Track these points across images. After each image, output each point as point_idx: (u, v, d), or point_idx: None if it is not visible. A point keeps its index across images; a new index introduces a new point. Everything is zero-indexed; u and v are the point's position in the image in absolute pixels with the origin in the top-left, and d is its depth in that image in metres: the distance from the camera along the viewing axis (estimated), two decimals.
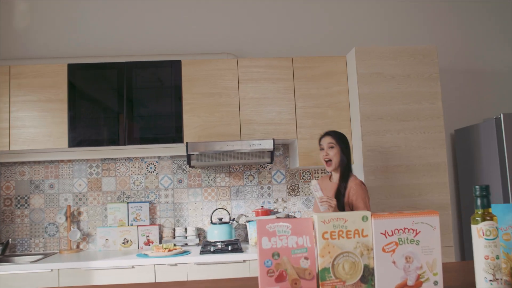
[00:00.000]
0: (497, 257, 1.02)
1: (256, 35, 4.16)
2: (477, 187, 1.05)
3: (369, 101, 3.46)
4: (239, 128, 3.61)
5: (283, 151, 4.04)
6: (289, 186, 4.02)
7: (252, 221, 3.70)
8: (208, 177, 3.99)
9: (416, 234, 1.10)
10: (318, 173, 4.04)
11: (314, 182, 2.80)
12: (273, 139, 3.48)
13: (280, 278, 1.08)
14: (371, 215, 1.11)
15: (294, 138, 3.64)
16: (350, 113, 3.67)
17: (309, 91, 3.68)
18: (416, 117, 3.48)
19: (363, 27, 4.22)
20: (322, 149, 2.97)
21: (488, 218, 1.04)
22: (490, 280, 1.02)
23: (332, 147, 2.92)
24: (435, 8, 4.30)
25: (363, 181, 3.10)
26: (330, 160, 2.91)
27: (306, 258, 1.09)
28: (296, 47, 4.14)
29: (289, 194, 4.01)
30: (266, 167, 4.02)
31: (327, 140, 2.95)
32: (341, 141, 2.95)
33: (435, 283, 1.10)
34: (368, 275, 1.10)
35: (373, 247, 1.10)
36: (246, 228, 3.93)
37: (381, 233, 1.10)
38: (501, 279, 1.02)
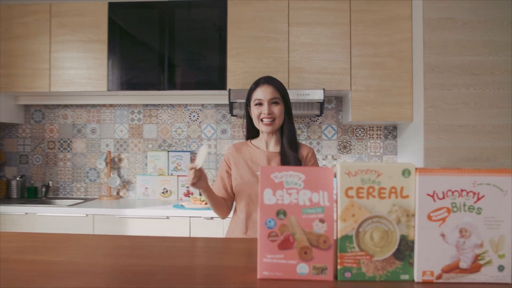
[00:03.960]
0: None
1: None
2: None
3: (436, 51, 3.04)
4: (287, 76, 3.30)
5: (336, 104, 3.70)
6: (340, 142, 3.70)
7: None
8: None
9: (478, 199, 0.79)
10: (373, 130, 3.68)
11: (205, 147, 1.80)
12: (324, 89, 3.15)
13: (285, 245, 0.82)
14: (416, 169, 0.81)
15: (347, 89, 3.29)
16: (412, 64, 3.26)
17: (367, 38, 3.29)
18: (490, 71, 3.02)
19: None
20: (259, 104, 2.06)
21: None
22: None
23: (276, 103, 2.05)
24: None
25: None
26: (273, 120, 2.05)
27: (321, 221, 0.81)
28: None
29: (340, 151, 3.69)
30: (316, 121, 3.71)
31: (270, 93, 2.05)
32: (286, 95, 2.10)
33: (500, 268, 0.79)
34: (405, 249, 0.81)
35: (416, 213, 0.80)
36: None
37: (428, 195, 0.80)
38: None
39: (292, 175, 0.82)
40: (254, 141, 2.18)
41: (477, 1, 3.04)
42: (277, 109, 2.04)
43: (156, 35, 3.40)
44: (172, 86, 3.37)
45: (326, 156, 3.69)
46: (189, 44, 3.37)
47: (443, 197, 0.79)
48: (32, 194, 3.76)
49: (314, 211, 0.82)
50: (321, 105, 3.23)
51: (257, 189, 1.94)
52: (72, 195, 3.87)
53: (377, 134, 3.68)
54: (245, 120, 2.20)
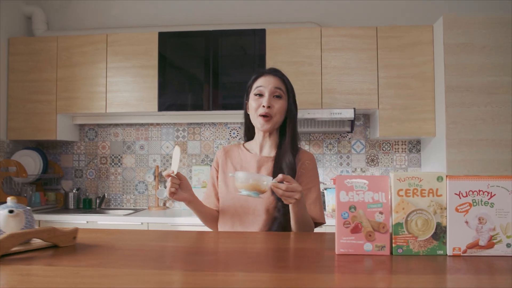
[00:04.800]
0: None
1: (339, 4, 4.13)
2: None
3: (456, 72, 3.36)
4: (321, 97, 3.65)
5: (364, 121, 4.04)
6: (368, 156, 4.03)
7: (330, 188, 3.76)
8: None
9: (491, 196, 1.13)
10: (398, 144, 4.01)
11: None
12: (354, 109, 3.50)
13: (355, 230, 1.16)
14: (446, 176, 1.15)
15: (375, 108, 3.62)
16: (434, 84, 3.58)
17: (393, 61, 3.63)
18: (506, 90, 3.33)
19: None
20: (259, 94, 1.81)
21: None
22: None
23: (279, 97, 1.80)
24: None
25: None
26: (270, 117, 1.78)
27: (381, 213, 1.16)
28: (380, 15, 4.06)
29: (368, 164, 4.02)
30: (346, 137, 4.05)
31: (273, 83, 1.81)
32: (291, 90, 1.87)
33: (508, 245, 1.13)
34: (440, 232, 1.15)
35: (447, 207, 1.14)
36: (324, 195, 4.01)
37: (455, 194, 1.14)
38: None
39: (359, 181, 1.17)
40: (248, 144, 1.95)
41: (493, 28, 3.36)
42: (278, 104, 1.78)
43: (201, 61, 3.79)
44: (215, 107, 3.74)
45: (355, 168, 4.03)
46: (231, 69, 3.75)
47: (466, 195, 1.13)
48: (87, 205, 4.15)
49: (375, 206, 1.16)
50: (352, 122, 3.58)
51: (244, 200, 1.75)
52: (123, 206, 4.25)
53: (402, 148, 4.00)
54: (244, 119, 1.94)
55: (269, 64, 3.69)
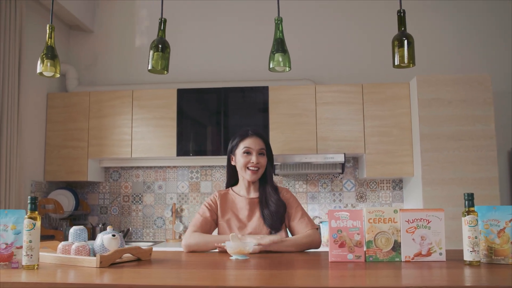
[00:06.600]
0: (476, 237, 1.66)
1: (331, 64, 4.85)
2: (465, 194, 1.71)
3: (428, 123, 4.03)
4: (316, 144, 4.31)
5: (353, 163, 4.69)
6: (357, 193, 4.66)
7: (325, 221, 4.37)
8: (289, 184, 4.72)
9: (429, 222, 1.76)
10: (383, 183, 4.64)
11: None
12: (344, 154, 4.15)
13: (341, 245, 1.78)
14: (400, 210, 1.78)
15: (362, 152, 4.28)
16: (411, 132, 4.25)
17: (376, 113, 4.30)
18: (470, 137, 4.00)
19: (424, 56, 4.68)
20: (247, 153, 2.34)
21: (471, 213, 1.69)
22: (471, 251, 1.66)
23: (262, 154, 2.36)
24: (490, 38, 4.74)
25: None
26: (258, 169, 2.34)
27: (358, 234, 1.78)
28: (365, 74, 4.77)
29: (357, 201, 4.65)
30: (338, 177, 4.68)
31: (259, 144, 2.36)
32: (270, 148, 2.45)
33: (440, 254, 1.75)
34: (396, 246, 1.77)
35: (401, 229, 1.77)
36: (319, 227, 4.61)
37: (406, 221, 1.77)
38: (478, 251, 1.66)
39: (344, 213, 1.80)
40: (235, 188, 2.44)
41: (458, 85, 4.05)
42: (263, 160, 2.34)
43: (213, 113, 4.46)
44: (225, 152, 4.35)
45: (346, 204, 4.65)
46: (240, 119, 4.41)
47: (413, 222, 1.76)
48: None
49: (354, 229, 1.79)
50: (343, 165, 4.23)
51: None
52: (143, 238, 4.83)
53: (387, 186, 4.64)
54: (227, 169, 2.50)
55: (272, 116, 4.35)
